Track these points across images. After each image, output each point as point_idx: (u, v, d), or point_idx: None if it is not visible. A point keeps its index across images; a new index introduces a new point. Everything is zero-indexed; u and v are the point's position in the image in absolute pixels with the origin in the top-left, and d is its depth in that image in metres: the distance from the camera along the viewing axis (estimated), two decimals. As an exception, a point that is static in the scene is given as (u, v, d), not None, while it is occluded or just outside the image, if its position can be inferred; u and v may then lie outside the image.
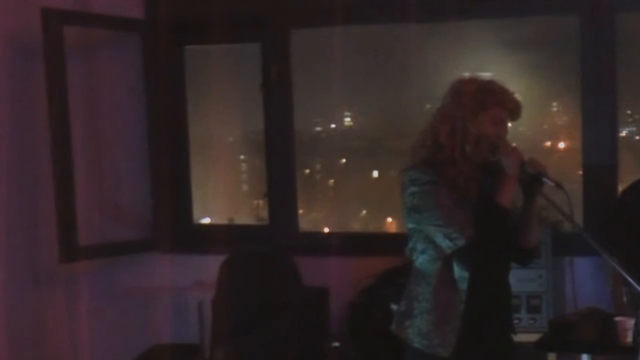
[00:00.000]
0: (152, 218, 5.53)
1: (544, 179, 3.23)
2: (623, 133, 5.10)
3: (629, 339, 4.14)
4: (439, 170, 3.28)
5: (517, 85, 3.63)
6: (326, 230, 5.61)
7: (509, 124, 3.35)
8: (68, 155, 5.04)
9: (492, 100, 3.28)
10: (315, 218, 5.75)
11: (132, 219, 5.52)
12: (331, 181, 5.77)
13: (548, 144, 5.29)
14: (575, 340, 4.32)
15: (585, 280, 4.80)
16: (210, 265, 5.01)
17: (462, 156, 3.27)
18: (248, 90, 5.52)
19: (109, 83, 5.35)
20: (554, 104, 5.33)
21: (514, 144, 3.32)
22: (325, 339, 4.95)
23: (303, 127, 5.58)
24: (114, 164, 5.43)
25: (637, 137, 5.20)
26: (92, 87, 5.26)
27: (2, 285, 4.99)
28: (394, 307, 3.69)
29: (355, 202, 5.67)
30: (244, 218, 5.77)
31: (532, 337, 4.33)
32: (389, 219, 5.56)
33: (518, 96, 3.36)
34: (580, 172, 4.96)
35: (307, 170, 5.73)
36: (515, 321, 3.71)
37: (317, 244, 5.36)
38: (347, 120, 5.70)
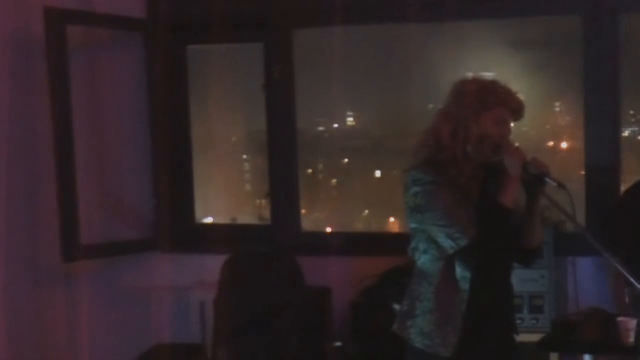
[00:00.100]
0: (154, 218, 5.53)
1: (547, 179, 3.23)
2: (626, 133, 5.10)
3: (632, 339, 4.14)
4: (442, 171, 3.28)
5: (520, 86, 3.64)
6: (329, 230, 5.61)
7: (512, 124, 3.35)
8: (70, 155, 5.04)
9: (495, 100, 3.28)
10: (318, 218, 5.74)
11: (134, 219, 5.52)
12: (334, 181, 5.77)
13: (551, 144, 5.29)
14: (578, 341, 4.31)
15: (587, 281, 4.80)
16: (212, 265, 5.02)
17: (465, 156, 3.27)
18: (251, 90, 5.52)
19: (111, 83, 5.34)
20: (557, 104, 5.33)
21: (516, 144, 3.31)
22: (327, 338, 4.95)
23: (306, 127, 5.57)
24: (116, 164, 5.42)
25: (640, 137, 5.21)
26: (94, 86, 5.26)
27: (2, 285, 4.99)
28: (397, 307, 3.69)
29: (357, 202, 5.67)
30: (246, 218, 5.76)
31: (535, 338, 4.33)
32: (392, 219, 5.56)
33: (521, 96, 3.36)
34: (583, 172, 4.96)
35: (310, 170, 5.73)
36: (518, 321, 3.70)
37: (319, 244, 5.36)
38: (350, 120, 5.70)
